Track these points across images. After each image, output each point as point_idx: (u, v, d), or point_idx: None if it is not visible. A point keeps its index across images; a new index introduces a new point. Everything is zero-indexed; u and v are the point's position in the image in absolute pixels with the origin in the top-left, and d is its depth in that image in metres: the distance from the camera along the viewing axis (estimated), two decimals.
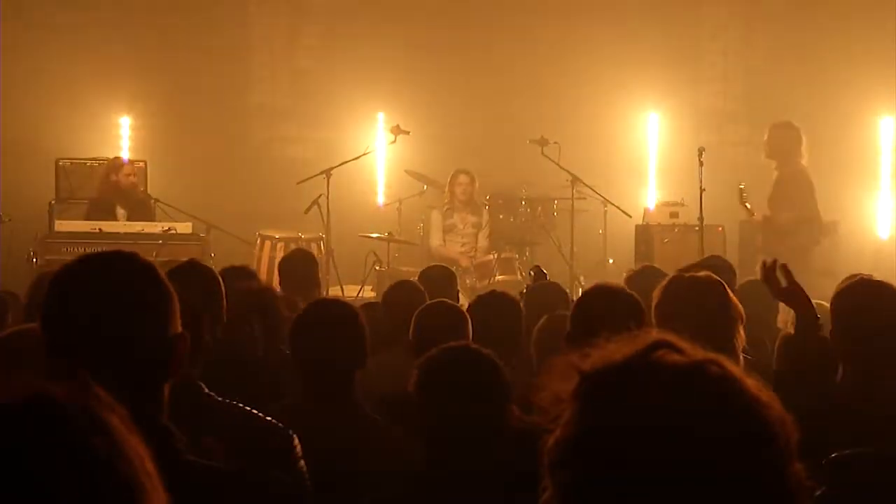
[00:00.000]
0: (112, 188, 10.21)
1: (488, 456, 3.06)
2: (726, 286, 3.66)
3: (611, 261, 11.36)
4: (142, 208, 10.29)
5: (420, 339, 4.37)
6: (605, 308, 3.59)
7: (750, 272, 7.57)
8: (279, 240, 10.50)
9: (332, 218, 10.27)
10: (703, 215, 9.55)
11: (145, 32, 12.32)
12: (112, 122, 12.28)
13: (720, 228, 10.34)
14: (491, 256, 10.70)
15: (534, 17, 12.58)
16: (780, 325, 5.82)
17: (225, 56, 12.52)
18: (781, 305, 5.72)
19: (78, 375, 1.20)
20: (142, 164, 10.70)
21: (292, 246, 10.12)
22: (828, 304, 3.83)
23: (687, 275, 3.72)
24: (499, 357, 3.21)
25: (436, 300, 4.88)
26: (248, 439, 3.01)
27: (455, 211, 11.08)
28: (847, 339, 3.54)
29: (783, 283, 4.01)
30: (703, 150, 9.56)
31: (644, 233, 10.73)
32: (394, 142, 11.15)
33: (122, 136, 12.28)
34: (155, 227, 9.94)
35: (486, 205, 11.25)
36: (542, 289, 6.08)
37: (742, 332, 3.57)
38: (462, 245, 11.06)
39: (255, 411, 3.15)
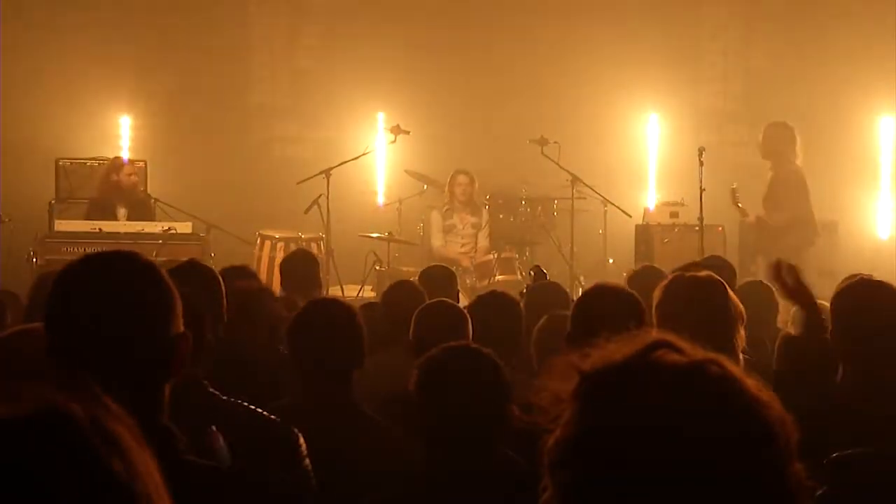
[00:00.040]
0: (113, 188, 10.21)
1: (488, 456, 3.06)
2: (727, 286, 3.66)
3: (611, 261, 11.36)
4: (142, 208, 10.29)
5: (420, 339, 4.36)
6: (606, 308, 3.59)
7: (750, 272, 7.61)
8: (279, 240, 10.50)
9: (332, 218, 10.26)
10: (703, 215, 9.56)
11: (145, 32, 12.33)
12: (112, 122, 12.28)
13: (720, 228, 10.34)
14: (491, 256, 10.70)
15: (534, 17, 12.58)
16: (779, 325, 5.82)
17: (225, 56, 12.52)
18: (782, 305, 5.73)
19: (88, 387, 1.20)
20: (142, 164, 10.70)
21: (292, 246, 10.13)
22: (828, 304, 3.83)
23: (688, 274, 3.72)
24: (499, 357, 3.21)
25: (436, 300, 4.88)
26: (253, 438, 3.02)
27: (455, 211, 11.08)
28: (847, 339, 3.54)
29: (790, 283, 4.00)
30: (703, 150, 9.56)
31: (644, 233, 10.73)
32: (394, 142, 11.15)
33: (122, 136, 12.28)
34: (155, 227, 9.94)
35: (485, 205, 11.24)
36: (542, 289, 6.07)
37: (742, 332, 3.57)
38: (462, 245, 11.05)
39: (259, 410, 3.16)
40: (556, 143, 10.57)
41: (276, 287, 9.35)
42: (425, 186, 11.47)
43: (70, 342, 2.09)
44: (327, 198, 10.19)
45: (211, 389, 3.16)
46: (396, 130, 11.00)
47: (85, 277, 2.15)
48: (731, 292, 3.64)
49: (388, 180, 12.45)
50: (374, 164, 12.26)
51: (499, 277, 10.36)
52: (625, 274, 6.45)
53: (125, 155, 11.36)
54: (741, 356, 3.36)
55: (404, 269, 10.34)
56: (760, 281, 5.91)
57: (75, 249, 9.19)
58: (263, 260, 10.40)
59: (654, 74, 12.26)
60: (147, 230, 9.87)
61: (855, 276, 4.19)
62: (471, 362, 3.15)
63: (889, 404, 3.34)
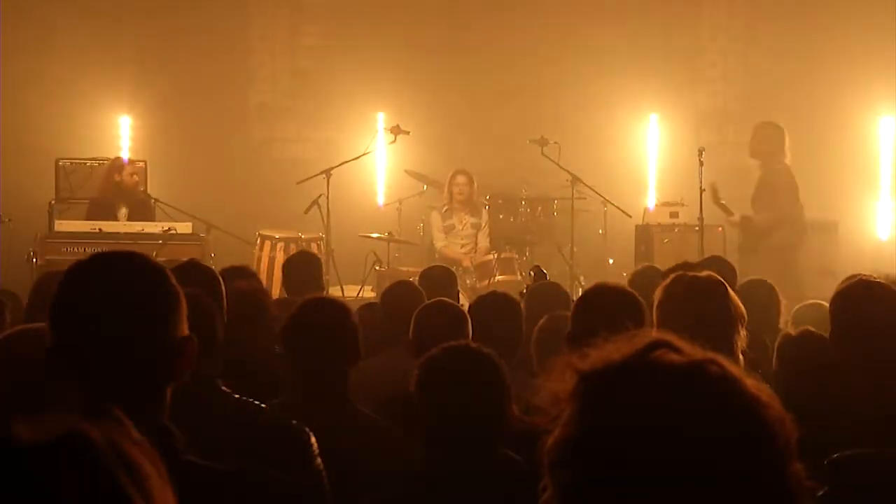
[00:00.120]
0: (115, 188, 10.22)
1: (488, 456, 3.06)
2: (727, 286, 3.66)
3: (611, 261, 11.36)
4: (143, 208, 10.29)
5: (420, 338, 4.36)
6: (606, 307, 3.59)
7: (750, 272, 7.59)
8: (279, 240, 10.50)
9: (332, 218, 10.26)
10: (703, 215, 9.56)
11: (145, 32, 12.33)
12: (112, 122, 12.28)
13: (720, 228, 10.35)
14: (491, 256, 10.70)
15: (534, 17, 12.59)
16: (780, 325, 5.82)
17: (225, 56, 12.52)
18: (783, 306, 5.74)
19: (111, 413, 1.21)
20: (142, 164, 10.70)
21: (292, 246, 10.13)
22: (827, 304, 3.83)
23: (689, 274, 3.72)
24: (499, 357, 3.21)
25: (435, 300, 4.88)
26: (263, 437, 3.03)
27: (454, 211, 11.08)
28: (847, 339, 3.53)
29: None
30: (703, 150, 9.57)
31: (644, 233, 10.74)
32: (394, 142, 11.14)
33: (122, 136, 12.29)
34: (155, 227, 9.94)
35: (485, 205, 11.24)
36: (542, 289, 6.07)
37: (743, 332, 3.57)
38: (462, 246, 11.05)
39: (269, 409, 3.18)
40: (556, 143, 10.57)
41: (277, 287, 9.39)
42: (425, 186, 11.47)
43: (71, 342, 2.09)
44: (327, 198, 10.19)
45: (223, 388, 3.17)
46: (396, 130, 11.00)
47: (88, 277, 2.16)
48: (731, 292, 3.64)
49: (388, 180, 12.45)
50: (374, 164, 12.26)
51: (499, 278, 10.35)
52: (625, 274, 6.45)
53: (125, 155, 11.36)
54: (741, 356, 3.36)
55: (404, 269, 10.34)
56: (763, 280, 5.91)
57: (75, 249, 9.20)
58: (263, 260, 10.40)
59: (654, 74, 12.27)
60: (147, 230, 9.87)
61: (855, 276, 4.19)
62: (471, 362, 3.15)
63: (889, 404, 3.34)
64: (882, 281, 3.74)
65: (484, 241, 11.08)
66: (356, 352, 3.77)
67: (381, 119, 12.07)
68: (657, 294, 3.61)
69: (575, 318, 3.68)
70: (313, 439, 3.13)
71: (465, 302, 7.04)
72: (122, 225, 10.04)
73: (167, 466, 1.22)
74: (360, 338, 3.81)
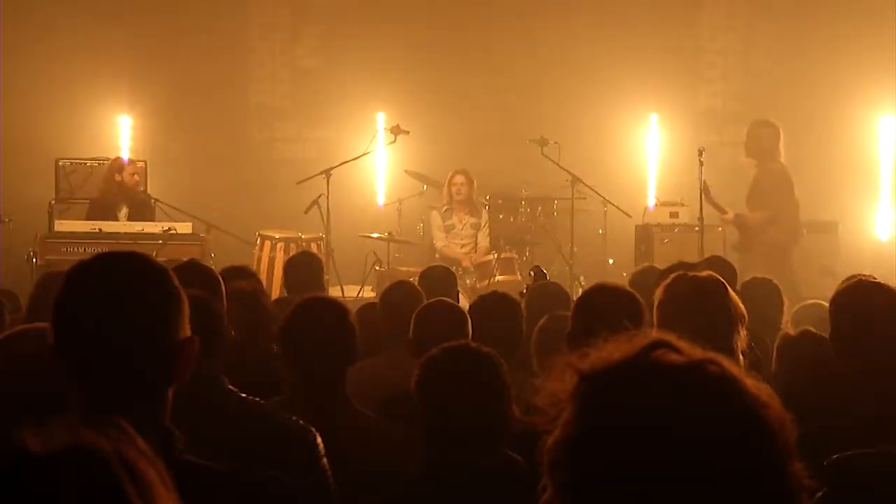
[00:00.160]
0: (116, 187, 10.21)
1: (488, 456, 3.06)
2: (728, 286, 3.66)
3: (611, 261, 11.36)
4: (143, 208, 10.29)
5: (420, 338, 4.36)
6: (607, 307, 3.59)
7: (744, 271, 7.59)
8: (279, 240, 10.50)
9: (332, 218, 10.26)
10: (703, 215, 9.56)
11: (145, 33, 12.33)
12: (112, 122, 12.28)
13: (720, 228, 10.35)
14: (491, 256, 10.70)
15: (534, 17, 12.59)
16: (781, 325, 5.82)
17: (225, 56, 12.52)
18: (785, 306, 5.74)
19: (118, 424, 1.22)
20: (142, 164, 10.70)
21: (292, 246, 10.13)
22: (827, 304, 3.83)
23: (689, 274, 3.72)
24: (499, 357, 3.20)
25: (435, 300, 4.87)
26: (270, 438, 3.03)
27: (453, 211, 11.08)
28: (847, 339, 3.54)
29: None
30: (703, 150, 9.57)
31: (644, 233, 10.74)
32: (394, 142, 11.14)
33: (122, 136, 12.29)
34: (155, 227, 9.94)
35: (485, 205, 11.25)
36: (542, 289, 6.07)
37: (743, 332, 3.57)
38: (461, 246, 11.05)
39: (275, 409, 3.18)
40: (556, 143, 10.57)
41: (277, 287, 9.40)
42: (425, 186, 11.47)
43: (73, 343, 2.09)
44: (327, 198, 10.18)
45: (230, 387, 3.17)
46: (396, 130, 10.99)
47: (89, 278, 2.15)
48: (731, 292, 3.64)
49: (388, 180, 12.45)
50: (374, 164, 12.26)
51: (499, 278, 10.36)
52: (625, 274, 6.45)
53: (125, 155, 11.36)
54: (741, 356, 3.36)
55: (404, 269, 10.34)
56: (766, 279, 5.90)
57: (75, 249, 9.20)
58: (263, 260, 10.40)
59: (654, 75, 12.27)
60: (147, 230, 9.87)
61: (855, 276, 4.20)
62: (471, 362, 3.15)
63: (889, 404, 3.34)
64: (882, 281, 3.74)
65: (484, 241, 11.08)
66: (353, 351, 3.77)
67: (381, 119, 12.07)
68: (657, 294, 3.60)
69: (575, 318, 3.68)
70: (319, 439, 3.13)
71: (465, 302, 7.04)
72: (122, 225, 10.03)
73: (166, 466, 1.23)
74: (358, 337, 3.80)
